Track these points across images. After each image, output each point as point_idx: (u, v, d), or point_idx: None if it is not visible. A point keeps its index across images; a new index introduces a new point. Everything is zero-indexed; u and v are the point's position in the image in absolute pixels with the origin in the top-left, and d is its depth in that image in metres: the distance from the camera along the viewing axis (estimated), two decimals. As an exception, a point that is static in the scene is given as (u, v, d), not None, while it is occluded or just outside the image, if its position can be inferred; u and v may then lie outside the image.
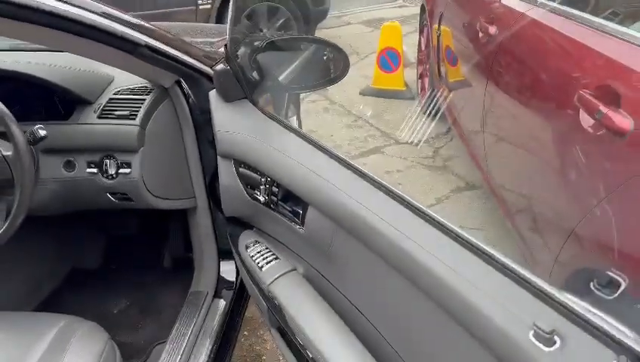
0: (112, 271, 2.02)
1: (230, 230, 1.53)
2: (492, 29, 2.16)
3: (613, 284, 0.81)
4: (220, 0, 4.67)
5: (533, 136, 1.65)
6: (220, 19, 4.66)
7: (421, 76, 4.08)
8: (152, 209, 1.54)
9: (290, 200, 1.13)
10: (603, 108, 1.18)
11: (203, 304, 1.59)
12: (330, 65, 1.38)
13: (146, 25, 1.28)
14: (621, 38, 1.27)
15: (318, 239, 1.04)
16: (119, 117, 1.39)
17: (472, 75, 2.52)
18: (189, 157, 1.50)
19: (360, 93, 4.43)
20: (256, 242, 1.34)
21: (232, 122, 1.29)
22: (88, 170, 1.41)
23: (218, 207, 1.63)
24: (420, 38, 4.13)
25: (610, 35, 1.34)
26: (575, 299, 0.56)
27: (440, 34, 3.24)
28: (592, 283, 0.85)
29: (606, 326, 0.51)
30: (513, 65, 1.95)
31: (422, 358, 0.80)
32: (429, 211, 0.78)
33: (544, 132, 1.55)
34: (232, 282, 1.68)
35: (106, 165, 1.40)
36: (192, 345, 1.46)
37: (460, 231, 0.72)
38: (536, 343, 0.53)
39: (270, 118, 1.26)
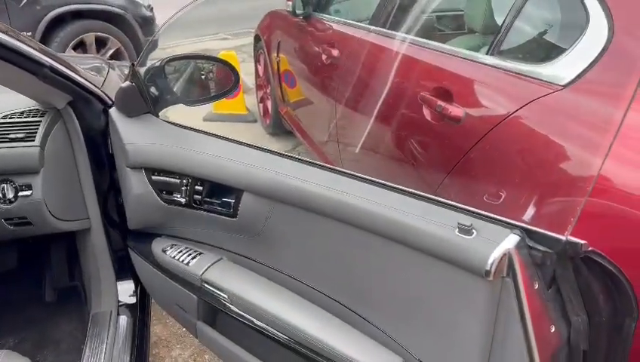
0: (-14, 314, 1.86)
1: (132, 244, 1.58)
2: (334, 52, 2.53)
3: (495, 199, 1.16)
4: (41, 31, 4.42)
5: (384, 134, 2.02)
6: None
7: (262, 100, 4.37)
8: (29, 239, 1.51)
9: (217, 195, 1.27)
10: (441, 103, 1.57)
11: (109, 323, 1.60)
12: (220, 79, 1.56)
13: (43, 46, 1.32)
14: (448, 53, 1.70)
15: (252, 222, 1.20)
16: (14, 140, 1.37)
17: (318, 94, 2.87)
18: (82, 177, 1.53)
19: (203, 120, 4.55)
20: (173, 245, 1.44)
21: (141, 135, 1.38)
22: (-20, 196, 1.35)
23: (112, 224, 1.66)
24: (256, 65, 4.43)
25: (438, 50, 1.77)
26: (474, 208, 0.85)
27: (279, 60, 3.57)
28: (484, 197, 1.19)
29: (501, 218, 0.81)
30: (358, 80, 2.33)
31: (372, 292, 1.02)
32: (354, 172, 1.03)
33: (394, 129, 1.92)
34: (131, 299, 1.71)
35: (3, 190, 1.36)
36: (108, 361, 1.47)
37: (385, 181, 0.98)
38: (462, 235, 0.80)
39: (179, 126, 1.39)
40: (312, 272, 1.14)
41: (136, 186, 1.40)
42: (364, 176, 1.02)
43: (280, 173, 1.11)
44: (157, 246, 1.46)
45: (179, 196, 1.33)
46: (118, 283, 1.69)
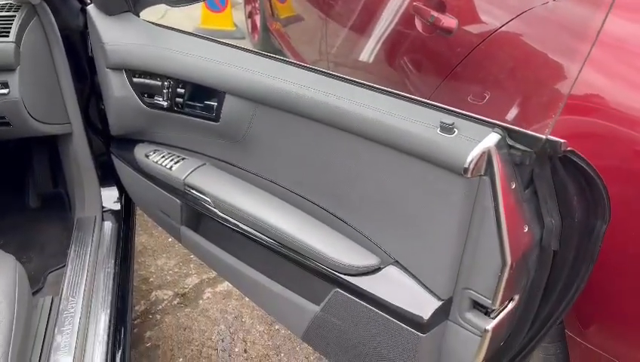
0: (-32, 219, 1.86)
1: (115, 150, 1.57)
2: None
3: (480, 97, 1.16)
4: None
5: (377, 49, 1.97)
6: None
7: (250, 15, 4.22)
8: (12, 142, 1.48)
9: (200, 97, 1.24)
10: (434, 13, 1.51)
11: (94, 228, 1.62)
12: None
13: None
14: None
15: (235, 127, 1.19)
16: (-14, 34, 1.31)
17: (308, 8, 2.76)
18: (61, 79, 1.48)
19: (190, 35, 4.40)
20: (156, 150, 1.42)
21: (121, 34, 1.32)
22: (-45, 93, 1.31)
23: (94, 130, 1.63)
24: (245, -22, 4.23)
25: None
26: (457, 109, 0.84)
27: (269, -28, 3.41)
28: (469, 98, 1.19)
29: (482, 117, 0.80)
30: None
31: (351, 194, 1.02)
32: (333, 72, 1.01)
33: (387, 43, 1.87)
34: (115, 206, 1.72)
35: (-22, 86, 1.32)
36: (93, 265, 1.49)
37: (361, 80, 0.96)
38: (443, 134, 0.80)
39: (160, 26, 1.33)
40: (293, 176, 1.15)
41: (117, 89, 1.36)
42: (348, 78, 1.00)
43: (263, 74, 1.09)
44: (139, 151, 1.45)
45: (161, 99, 1.31)
46: (102, 189, 1.69)
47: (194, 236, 1.41)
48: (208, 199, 1.24)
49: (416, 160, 0.85)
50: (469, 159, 0.76)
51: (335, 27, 2.42)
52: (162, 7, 1.42)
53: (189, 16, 4.45)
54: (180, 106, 1.28)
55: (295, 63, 1.09)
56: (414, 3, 1.62)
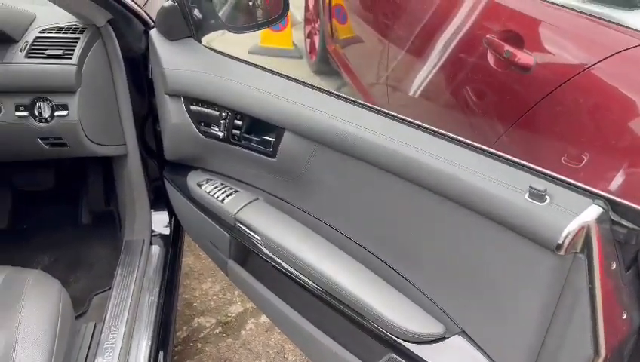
0: (24, 232, 1.89)
1: (168, 174, 1.53)
2: (393, -14, 2.33)
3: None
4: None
5: (440, 79, 1.87)
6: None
7: (309, 35, 4.20)
8: (69, 160, 1.47)
9: (257, 131, 1.18)
10: (509, 48, 1.40)
11: (141, 252, 1.59)
12: (269, 6, 1.43)
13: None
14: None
15: (292, 164, 1.12)
16: (51, 56, 1.31)
17: (370, 32, 2.70)
18: (120, 100, 1.47)
19: (249, 52, 4.42)
20: (209, 180, 1.38)
21: (181, 60, 1.29)
22: (17, 113, 1.31)
23: (149, 153, 1.61)
24: (306, -1, 4.23)
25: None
26: (550, 171, 0.73)
27: (331, -7, 3.37)
28: (562, 158, 1.07)
29: (581, 184, 0.69)
30: (415, 17, 2.15)
31: (417, 251, 0.93)
32: (407, 117, 0.92)
33: (451, 74, 1.77)
34: (164, 230, 1.69)
35: (39, 108, 1.31)
36: (138, 290, 1.46)
37: (439, 130, 0.87)
38: (533, 201, 0.70)
39: (222, 55, 1.29)
40: (352, 223, 1.06)
41: (174, 115, 1.33)
42: (418, 123, 0.91)
43: (326, 114, 1.01)
44: (192, 179, 1.41)
45: (217, 129, 1.26)
46: (152, 212, 1.66)
47: (241, 272, 1.35)
48: (258, 238, 1.18)
49: (497, 225, 0.75)
50: (563, 234, 0.66)
51: (396, 52, 2.34)
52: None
53: (250, 34, 4.48)
54: (236, 138, 1.23)
55: (361, 104, 1.01)
56: (487, 36, 1.51)
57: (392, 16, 2.42)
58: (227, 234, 1.29)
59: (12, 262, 1.72)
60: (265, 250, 1.18)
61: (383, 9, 2.50)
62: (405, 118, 0.92)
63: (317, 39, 3.96)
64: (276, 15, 1.43)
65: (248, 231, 1.21)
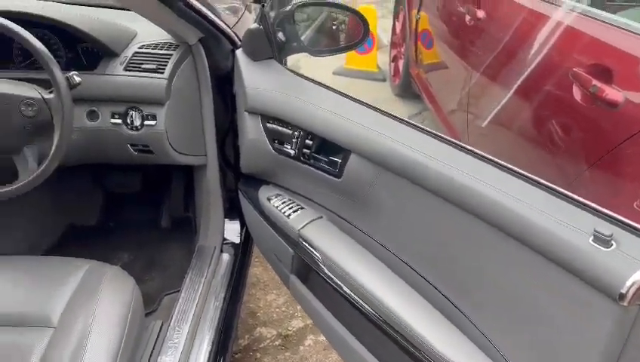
0: (110, 229, 2.04)
1: (242, 186, 1.60)
2: (480, 13, 2.30)
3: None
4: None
5: (521, 111, 1.81)
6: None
7: (394, 59, 4.22)
8: (155, 167, 1.58)
9: (326, 152, 1.22)
10: (597, 83, 1.34)
11: (212, 258, 1.66)
12: (351, 31, 1.47)
13: (181, -20, 1.32)
14: (616, 26, 1.44)
15: (356, 186, 1.14)
16: (146, 70, 1.42)
17: (455, 58, 2.67)
18: (205, 114, 1.56)
19: (333, 73, 4.52)
20: (278, 195, 1.43)
21: (262, 79, 1.36)
22: (112, 120, 1.44)
23: (227, 165, 1.70)
24: (394, 22, 4.25)
25: (601, 21, 1.51)
26: (618, 215, 0.69)
27: (419, 18, 3.38)
28: (635, 203, 1.01)
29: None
30: (501, 47, 2.10)
31: (477, 288, 0.91)
32: (473, 148, 0.91)
33: (533, 106, 1.71)
34: (235, 239, 1.76)
35: (131, 116, 1.43)
36: (204, 295, 1.52)
37: (506, 163, 0.85)
38: (597, 245, 0.66)
39: (300, 76, 1.34)
40: (413, 252, 1.06)
41: (251, 131, 1.39)
42: (485, 155, 0.90)
43: (393, 140, 1.02)
44: (263, 193, 1.47)
45: (289, 147, 1.31)
46: (226, 221, 1.74)
47: (302, 288, 1.37)
48: (319, 256, 1.20)
49: (559, 268, 0.72)
50: (628, 283, 0.62)
51: (480, 81, 2.29)
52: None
53: (338, 56, 4.57)
54: (306, 157, 1.27)
55: (429, 132, 1.01)
56: (574, 69, 1.45)
57: (479, 45, 2.39)
58: (290, 250, 1.33)
59: (96, 256, 1.87)
60: (325, 269, 1.19)
61: (470, 37, 2.47)
62: (471, 148, 0.91)
63: (401, 63, 3.96)
64: (357, 40, 1.46)
65: (310, 248, 1.23)
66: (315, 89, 1.29)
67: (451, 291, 0.97)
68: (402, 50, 3.96)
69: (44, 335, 1.09)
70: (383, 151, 1.03)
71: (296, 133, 1.27)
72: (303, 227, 1.26)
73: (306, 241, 1.24)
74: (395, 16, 4.21)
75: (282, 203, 1.38)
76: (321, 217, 1.29)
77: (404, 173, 0.99)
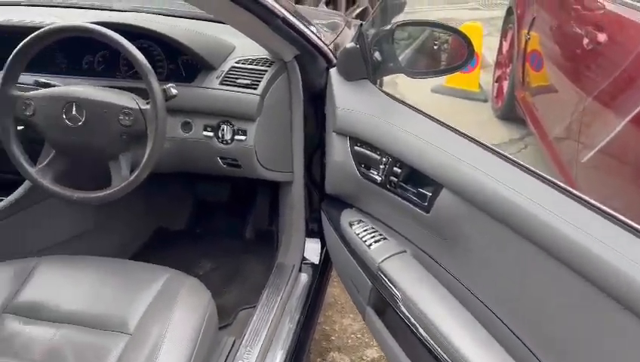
0: (196, 235, 2.09)
1: (326, 207, 1.56)
2: (601, 37, 2.09)
3: None
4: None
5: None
6: (299, 3, 4.68)
7: (498, 80, 4.00)
8: (243, 179, 1.58)
9: (415, 182, 1.13)
10: None
11: (290, 276, 1.63)
12: (453, 52, 1.38)
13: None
14: None
15: (446, 224, 1.05)
16: (240, 85, 1.42)
17: (567, 83, 2.46)
18: (294, 131, 1.54)
19: (431, 90, 4.38)
20: (361, 221, 1.36)
21: (353, 100, 1.31)
22: (204, 132, 1.45)
23: (313, 183, 1.66)
24: (501, 41, 4.04)
25: None
26: None
27: (529, 38, 3.17)
28: None
29: None
30: (622, 73, 1.89)
31: (576, 352, 0.79)
32: (586, 197, 0.79)
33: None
34: (315, 259, 1.72)
35: (223, 130, 1.44)
36: (279, 314, 1.49)
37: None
38: None
39: (393, 99, 1.27)
40: (503, 305, 0.94)
41: (338, 153, 1.35)
42: (600, 207, 0.77)
43: (494, 179, 0.92)
44: (345, 217, 1.41)
45: (376, 173, 1.24)
46: (307, 240, 1.71)
47: (378, 322, 1.29)
48: (398, 294, 1.12)
49: None
50: None
51: (595, 108, 2.08)
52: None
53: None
54: (392, 185, 1.19)
55: (533, 172, 0.89)
56: None
57: (597, 70, 2.17)
58: (369, 281, 1.26)
59: (182, 261, 1.91)
60: (403, 308, 1.11)
61: (587, 61, 2.25)
62: (583, 196, 0.79)
63: (506, 84, 3.75)
64: (460, 62, 1.37)
65: (389, 284, 1.15)
66: (408, 114, 1.21)
67: (543, 350, 0.85)
68: (508, 70, 3.75)
69: (120, 340, 1.11)
70: (480, 191, 0.93)
71: (384, 159, 1.20)
72: (383, 260, 1.19)
73: (385, 276, 1.17)
74: (503, 35, 4.00)
75: (364, 230, 1.31)
76: (405, 251, 1.21)
77: (504, 219, 0.88)
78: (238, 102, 1.41)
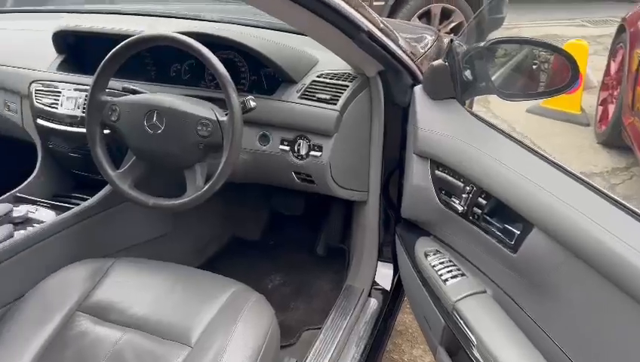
0: (269, 247, 2.08)
1: (400, 231, 1.47)
2: None
3: None
4: (394, -2, 4.63)
5: None
6: (391, 17, 4.62)
7: (603, 103, 3.68)
8: (318, 194, 1.53)
9: (501, 217, 1.02)
10: None
11: (358, 300, 1.56)
12: (554, 73, 1.24)
13: (368, 9, 1.25)
14: None
15: (534, 268, 0.92)
16: (320, 100, 1.38)
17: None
18: (372, 150, 1.47)
19: (527, 111, 4.12)
20: (438, 251, 1.26)
21: (438, 121, 1.22)
22: (281, 146, 1.42)
23: (389, 205, 1.58)
24: (609, 61, 3.72)
25: None
26: None
27: (643, 59, 2.88)
28: None
29: None
30: None
31: None
32: None
33: None
34: (386, 284, 1.63)
35: (299, 145, 1.40)
36: (345, 339, 1.43)
37: None
38: None
39: (482, 122, 1.17)
40: None
41: (417, 176, 1.26)
42: None
43: (597, 225, 0.79)
44: (421, 245, 1.32)
45: (457, 202, 1.14)
46: (379, 263, 1.63)
47: (449, 362, 1.19)
48: (474, 339, 1.01)
49: None
50: None
51: None
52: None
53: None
54: (476, 217, 1.09)
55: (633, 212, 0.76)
56: None
57: None
58: (442, 320, 1.15)
59: (253, 271, 1.90)
60: (477, 355, 1.00)
61: None
62: None
63: (612, 108, 3.43)
64: (562, 84, 1.23)
65: (465, 326, 1.05)
66: (499, 139, 1.10)
67: None
68: (615, 93, 3.43)
69: (181, 352, 1.10)
70: (579, 237, 0.81)
71: (468, 187, 1.10)
72: (460, 299, 1.08)
73: (461, 317, 1.06)
74: (612, 54, 3.68)
75: (441, 263, 1.21)
76: (484, 292, 1.09)
77: (609, 275, 0.75)
78: (315, 117, 1.37)
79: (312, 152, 1.39)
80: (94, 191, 1.52)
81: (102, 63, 1.28)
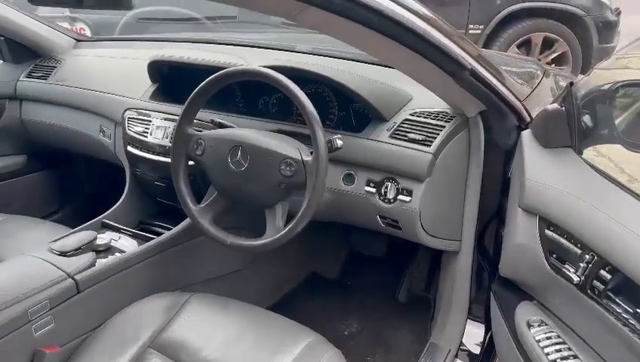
0: (347, 287, 1.97)
1: (497, 289, 1.30)
2: None
3: None
4: (492, 26, 4.42)
5: None
6: (488, 46, 4.41)
7: None
8: (400, 239, 1.41)
9: (632, 298, 0.84)
10: None
11: None
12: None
13: (471, 43, 1.13)
14: None
15: None
16: (412, 140, 1.27)
17: None
18: (468, 197, 1.33)
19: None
20: (543, 323, 1.09)
21: (550, 172, 1.06)
22: (366, 188, 1.33)
23: (484, 258, 1.42)
24: None
25: None
26: None
27: None
28: None
29: None
30: None
31: None
32: None
33: None
34: (475, 347, 1.46)
35: (386, 187, 1.30)
36: None
37: None
38: None
39: (605, 178, 0.99)
40: None
41: (522, 233, 1.10)
42: None
43: None
44: (523, 312, 1.15)
45: (572, 270, 0.97)
46: (468, 321, 1.47)
47: None
48: None
49: None
50: None
51: None
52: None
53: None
54: (596, 292, 0.91)
55: None
56: None
57: None
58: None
59: (329, 314, 1.80)
60: None
61: None
62: None
63: None
64: None
65: None
66: (626, 200, 0.92)
67: None
68: None
69: None
70: None
71: (587, 256, 0.93)
72: None
73: None
74: None
75: (547, 338, 1.03)
76: None
77: None
78: (406, 158, 1.26)
79: (401, 196, 1.28)
80: (177, 219, 1.50)
81: (190, 97, 1.26)
